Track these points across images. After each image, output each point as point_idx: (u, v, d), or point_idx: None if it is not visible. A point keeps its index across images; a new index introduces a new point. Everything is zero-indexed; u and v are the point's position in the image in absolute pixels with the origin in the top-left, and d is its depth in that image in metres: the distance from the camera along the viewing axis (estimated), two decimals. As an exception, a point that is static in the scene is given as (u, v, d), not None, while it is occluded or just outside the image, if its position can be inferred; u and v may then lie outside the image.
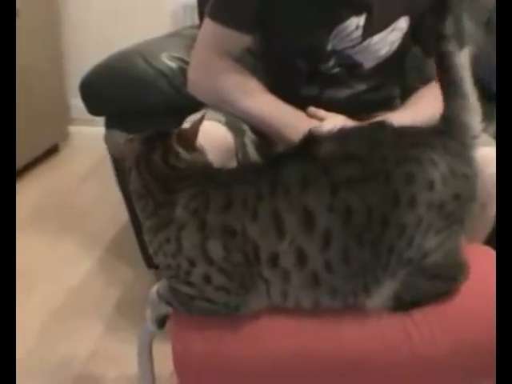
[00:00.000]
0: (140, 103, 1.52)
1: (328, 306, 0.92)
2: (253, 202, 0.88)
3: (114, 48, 1.68)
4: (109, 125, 1.65)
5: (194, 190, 0.91)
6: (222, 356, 0.94)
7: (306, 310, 0.92)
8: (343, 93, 1.34)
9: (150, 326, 1.03)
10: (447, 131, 0.95)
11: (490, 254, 1.06)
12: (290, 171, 0.89)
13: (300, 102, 1.27)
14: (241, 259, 0.88)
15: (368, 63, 1.32)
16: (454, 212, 0.91)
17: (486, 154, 1.09)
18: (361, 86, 1.35)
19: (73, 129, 2.75)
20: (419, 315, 0.94)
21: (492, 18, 1.61)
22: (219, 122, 1.21)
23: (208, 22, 1.27)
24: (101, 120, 1.64)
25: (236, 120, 1.24)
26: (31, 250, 1.92)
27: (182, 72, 1.53)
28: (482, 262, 1.01)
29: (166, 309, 1.00)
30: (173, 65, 1.55)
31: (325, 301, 0.91)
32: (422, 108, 1.25)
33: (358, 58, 1.30)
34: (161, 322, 1.02)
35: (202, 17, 2.09)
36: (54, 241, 2.02)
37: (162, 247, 0.92)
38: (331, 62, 1.30)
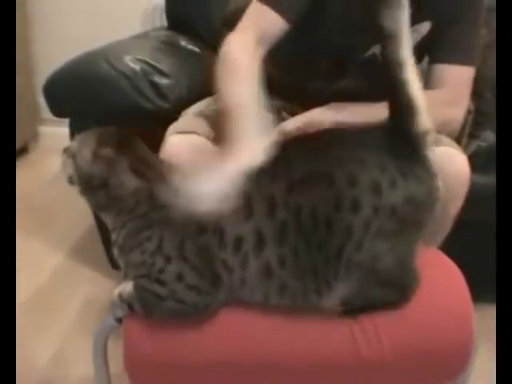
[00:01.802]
0: (102, 105, 1.51)
1: (277, 304, 0.93)
2: None
3: (84, 48, 1.66)
4: (73, 127, 1.64)
5: None
6: (172, 357, 0.95)
7: (257, 307, 0.94)
8: (347, 83, 1.31)
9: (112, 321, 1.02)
10: (396, 132, 0.93)
11: (443, 261, 1.07)
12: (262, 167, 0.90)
13: (304, 95, 1.27)
14: (209, 252, 0.90)
15: None
16: (408, 216, 0.90)
17: (445, 152, 1.09)
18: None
19: (42, 129, 2.73)
20: (367, 320, 0.95)
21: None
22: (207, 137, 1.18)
23: (254, 3, 1.23)
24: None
25: None
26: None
27: (145, 74, 1.54)
28: (434, 268, 1.01)
29: (124, 312, 0.99)
30: (136, 67, 1.54)
31: (274, 296, 0.92)
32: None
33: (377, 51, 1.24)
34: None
35: (169, 18, 2.10)
36: (24, 239, 2.00)
37: (140, 245, 0.92)
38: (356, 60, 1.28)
